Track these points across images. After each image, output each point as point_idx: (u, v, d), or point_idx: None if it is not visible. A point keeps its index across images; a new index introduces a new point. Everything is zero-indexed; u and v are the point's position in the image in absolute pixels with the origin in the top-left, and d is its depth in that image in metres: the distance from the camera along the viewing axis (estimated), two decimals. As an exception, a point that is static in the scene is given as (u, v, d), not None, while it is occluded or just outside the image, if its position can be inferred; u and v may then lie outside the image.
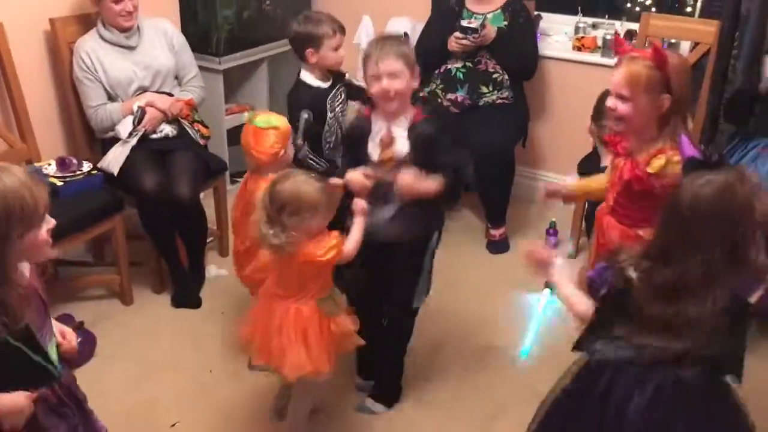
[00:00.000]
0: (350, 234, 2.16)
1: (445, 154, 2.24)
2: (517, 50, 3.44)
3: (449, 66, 3.45)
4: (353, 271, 2.31)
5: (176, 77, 3.21)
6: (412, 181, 2.18)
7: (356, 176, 2.22)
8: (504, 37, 3.38)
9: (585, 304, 1.78)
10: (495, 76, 3.44)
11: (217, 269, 3.29)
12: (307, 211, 2.02)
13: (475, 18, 3.42)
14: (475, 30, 3.29)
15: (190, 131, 3.13)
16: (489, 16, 3.45)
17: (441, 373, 2.73)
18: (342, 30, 2.78)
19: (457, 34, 3.33)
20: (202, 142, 3.17)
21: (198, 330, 2.95)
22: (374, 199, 2.25)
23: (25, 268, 1.60)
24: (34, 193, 1.50)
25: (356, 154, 2.31)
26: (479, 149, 3.24)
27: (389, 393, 2.60)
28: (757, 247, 1.53)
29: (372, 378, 2.64)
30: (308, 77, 2.77)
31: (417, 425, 2.51)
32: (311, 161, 2.77)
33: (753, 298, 1.55)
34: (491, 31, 3.34)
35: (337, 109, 2.83)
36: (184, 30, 3.55)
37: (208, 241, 3.31)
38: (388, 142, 2.24)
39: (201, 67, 3.43)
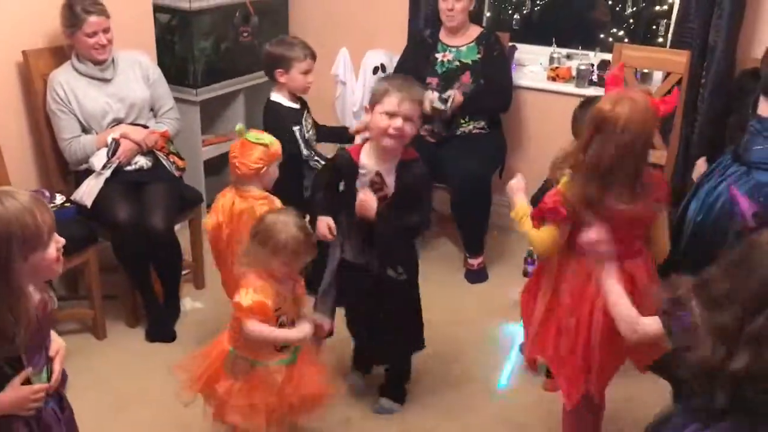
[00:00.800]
0: (277, 330, 2.13)
1: (425, 197, 2.39)
2: (492, 88, 3.47)
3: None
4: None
5: (152, 109, 3.20)
6: (370, 201, 2.27)
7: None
8: (472, 96, 3.41)
9: (657, 324, 1.68)
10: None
11: (192, 302, 3.25)
12: (271, 248, 2.06)
13: (450, 51, 3.44)
14: (443, 111, 3.31)
15: (165, 163, 3.11)
16: (463, 49, 3.48)
17: (418, 402, 2.70)
18: (313, 57, 2.90)
19: (428, 111, 3.22)
20: (177, 173, 3.16)
21: (172, 364, 2.89)
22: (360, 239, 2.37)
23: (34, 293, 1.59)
24: (37, 217, 1.51)
25: (346, 193, 2.36)
26: (456, 179, 3.27)
27: (401, 391, 2.68)
28: None
29: (366, 372, 2.74)
30: (279, 98, 2.90)
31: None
32: (317, 161, 2.92)
33: None
34: (459, 99, 3.35)
35: (309, 133, 2.96)
36: (161, 62, 3.55)
37: (183, 273, 3.27)
38: (379, 187, 2.30)
39: (177, 99, 3.43)
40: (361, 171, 2.32)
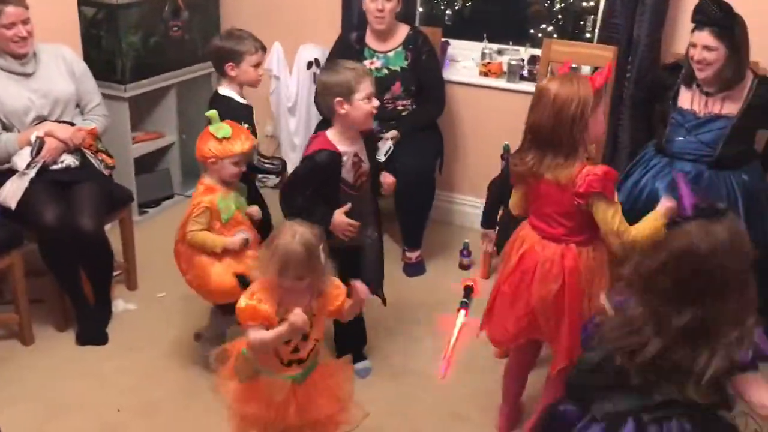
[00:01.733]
0: (269, 331, 1.95)
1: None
2: (425, 96, 3.49)
3: None
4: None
5: (77, 105, 3.10)
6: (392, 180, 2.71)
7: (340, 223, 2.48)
8: (408, 121, 3.43)
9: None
10: (404, 113, 3.49)
11: (125, 303, 3.17)
12: (271, 253, 1.94)
13: (378, 58, 3.44)
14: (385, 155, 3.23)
15: (93, 161, 3.02)
16: (391, 55, 3.46)
17: (357, 396, 2.69)
18: (263, 49, 2.86)
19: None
20: (106, 172, 3.06)
21: (105, 367, 2.82)
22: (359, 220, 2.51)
23: None
24: None
25: (329, 187, 2.45)
26: (403, 172, 3.26)
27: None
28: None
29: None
30: (229, 92, 2.84)
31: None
32: (265, 164, 2.94)
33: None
34: (396, 138, 3.32)
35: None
36: (87, 57, 3.44)
37: (114, 274, 3.18)
38: (359, 165, 2.50)
39: (105, 95, 3.33)
40: (343, 159, 2.44)
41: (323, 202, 2.48)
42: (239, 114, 2.73)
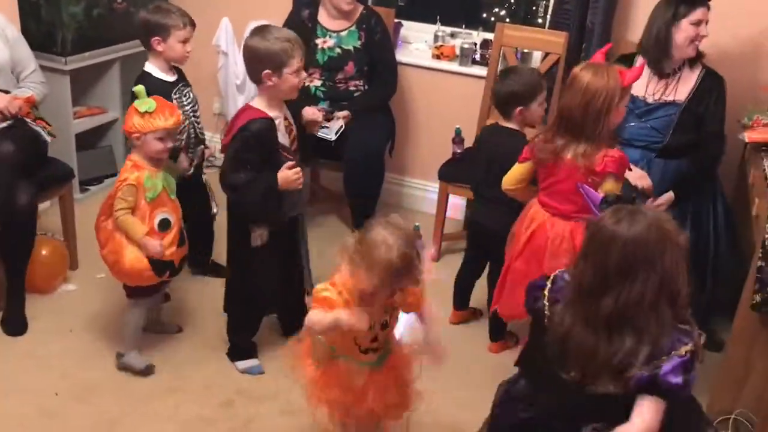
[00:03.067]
0: (326, 316, 1.91)
1: None
2: (377, 78, 3.45)
3: (308, 84, 3.38)
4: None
5: (12, 73, 2.96)
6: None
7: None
8: (360, 102, 3.39)
9: None
10: (356, 93, 3.45)
11: (65, 283, 3.07)
12: (366, 264, 1.85)
13: (330, 37, 3.39)
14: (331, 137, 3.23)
15: (36, 129, 2.88)
16: (344, 34, 3.42)
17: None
18: (192, 24, 2.78)
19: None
20: (50, 138, 2.93)
21: (43, 350, 2.73)
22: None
23: None
24: None
25: (270, 155, 2.42)
26: (353, 153, 3.23)
27: None
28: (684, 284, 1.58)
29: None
30: (152, 68, 2.77)
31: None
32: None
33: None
34: (347, 118, 3.29)
35: (186, 108, 2.81)
36: (25, 27, 3.30)
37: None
38: (291, 129, 2.51)
39: (45, 68, 3.21)
40: (276, 123, 2.43)
41: (274, 185, 2.43)
42: (155, 90, 2.58)
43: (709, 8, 2.76)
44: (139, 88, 2.43)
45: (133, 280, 2.53)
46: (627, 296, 1.53)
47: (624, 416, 1.60)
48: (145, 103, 2.40)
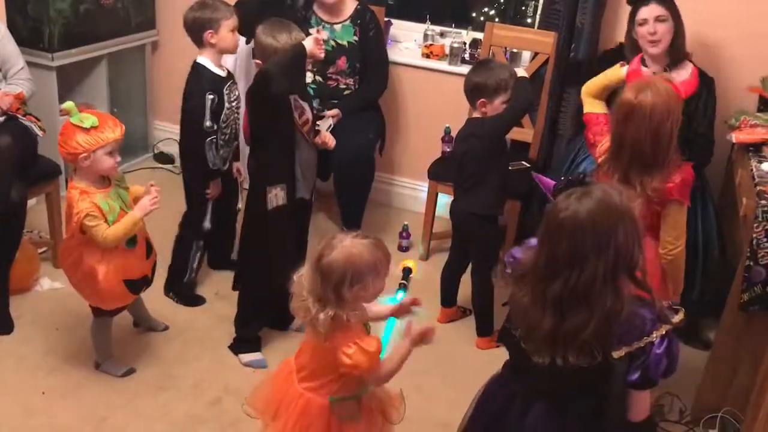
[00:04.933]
0: (392, 354, 1.81)
1: None
2: (369, 75, 3.46)
3: None
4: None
5: (0, 70, 2.94)
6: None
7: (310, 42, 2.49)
8: (350, 100, 3.41)
9: None
10: (346, 92, 3.44)
11: (50, 282, 3.04)
12: (368, 274, 1.73)
13: (324, 27, 3.38)
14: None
15: (26, 124, 2.87)
16: (338, 28, 3.41)
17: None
18: (236, 13, 2.86)
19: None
20: (41, 133, 2.92)
21: (28, 348, 2.70)
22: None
23: None
24: None
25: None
26: (342, 153, 3.22)
27: None
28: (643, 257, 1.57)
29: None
30: (206, 62, 2.83)
31: None
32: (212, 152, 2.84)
33: (618, 353, 1.55)
34: (337, 117, 3.32)
35: (233, 104, 2.87)
36: (11, 23, 3.27)
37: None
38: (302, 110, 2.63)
39: (31, 64, 3.19)
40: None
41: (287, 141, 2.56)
42: (207, 83, 2.76)
43: (662, 4, 2.76)
44: (70, 104, 2.24)
45: (112, 303, 2.48)
46: (576, 281, 1.52)
47: (600, 386, 1.61)
48: (86, 118, 2.23)
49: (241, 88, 3.02)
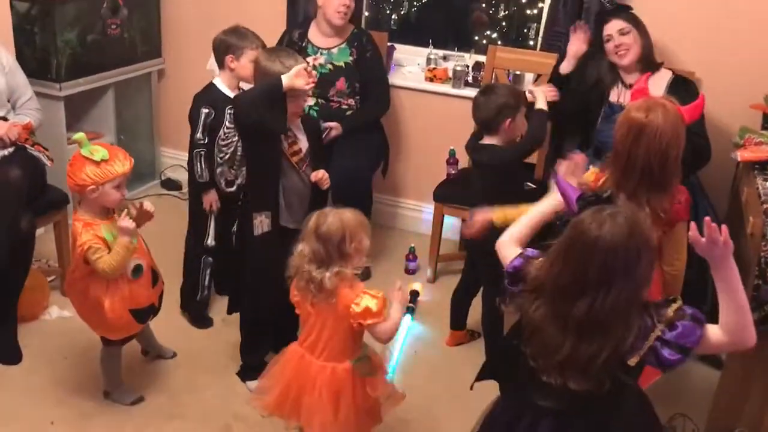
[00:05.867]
0: (393, 318, 2.11)
1: None
2: (369, 94, 3.47)
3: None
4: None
5: (8, 101, 2.97)
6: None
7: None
8: (352, 119, 3.41)
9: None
10: (348, 112, 3.46)
11: (59, 310, 3.05)
12: (360, 231, 2.06)
13: (321, 53, 3.42)
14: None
15: (34, 154, 2.88)
16: (335, 51, 3.44)
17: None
18: (263, 47, 2.90)
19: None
20: (49, 163, 2.94)
21: (38, 378, 2.70)
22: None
23: None
24: None
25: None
26: (336, 175, 3.23)
27: None
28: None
29: None
30: (220, 83, 2.90)
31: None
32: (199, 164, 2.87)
33: (632, 360, 1.56)
34: (337, 130, 3.34)
35: (226, 131, 2.88)
36: (19, 53, 3.31)
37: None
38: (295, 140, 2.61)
39: (40, 94, 3.22)
40: None
41: (270, 168, 2.53)
42: (213, 99, 2.83)
43: (624, 19, 2.92)
44: (81, 136, 2.26)
45: (119, 333, 2.48)
46: (602, 302, 1.52)
47: (608, 413, 1.60)
48: (97, 151, 2.24)
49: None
